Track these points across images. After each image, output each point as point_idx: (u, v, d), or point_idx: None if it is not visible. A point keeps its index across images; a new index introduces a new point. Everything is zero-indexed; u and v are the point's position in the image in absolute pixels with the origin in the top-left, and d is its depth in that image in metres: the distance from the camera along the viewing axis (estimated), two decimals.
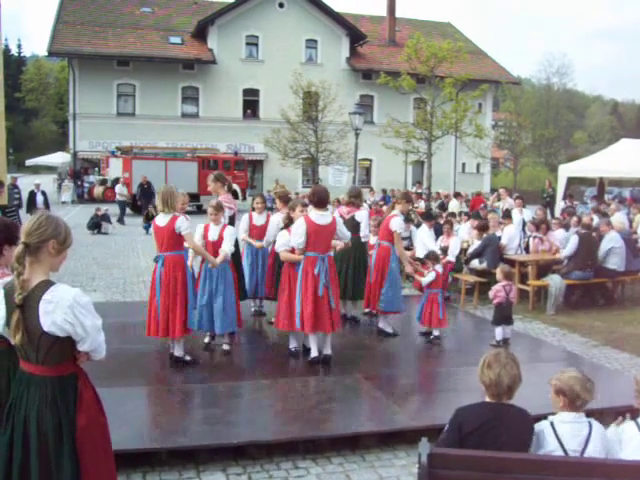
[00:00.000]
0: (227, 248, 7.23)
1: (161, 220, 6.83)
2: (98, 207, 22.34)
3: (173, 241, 6.79)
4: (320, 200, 7.11)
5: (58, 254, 3.18)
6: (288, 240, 7.21)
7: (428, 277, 8.48)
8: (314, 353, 7.14)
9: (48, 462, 3.08)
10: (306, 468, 5.00)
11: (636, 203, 18.65)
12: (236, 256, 8.03)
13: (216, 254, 7.20)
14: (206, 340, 7.74)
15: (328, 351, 7.25)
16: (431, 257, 8.81)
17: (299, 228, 7.01)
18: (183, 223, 6.76)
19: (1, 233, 3.84)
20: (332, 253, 7.33)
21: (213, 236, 7.36)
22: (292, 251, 7.18)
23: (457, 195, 21.32)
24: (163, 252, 6.85)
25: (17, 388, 3.17)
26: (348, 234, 7.56)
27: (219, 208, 7.42)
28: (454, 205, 19.35)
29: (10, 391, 3.26)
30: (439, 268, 8.69)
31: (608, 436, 3.41)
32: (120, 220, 24.29)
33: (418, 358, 8.09)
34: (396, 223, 8.40)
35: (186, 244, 7.02)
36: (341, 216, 9.07)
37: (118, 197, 25.41)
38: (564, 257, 11.19)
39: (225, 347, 7.59)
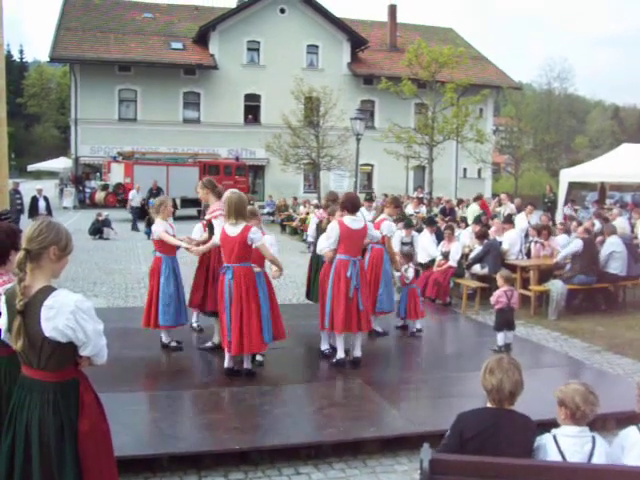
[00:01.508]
0: (276, 255, 7.04)
1: (231, 230, 6.55)
2: (99, 212, 22.32)
3: (244, 252, 6.52)
4: (353, 205, 7.35)
5: (59, 260, 3.19)
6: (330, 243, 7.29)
7: (409, 273, 8.98)
8: (340, 355, 7.27)
9: (50, 467, 3.08)
10: (308, 474, 4.99)
11: (638, 208, 18.61)
12: None
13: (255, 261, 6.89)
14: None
15: (358, 353, 7.37)
16: (405, 254, 9.31)
17: (332, 231, 7.22)
18: (256, 234, 6.51)
19: (8, 238, 3.83)
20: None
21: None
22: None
23: (477, 199, 21.00)
24: (232, 264, 6.55)
25: (19, 393, 3.17)
26: (378, 235, 7.94)
27: (255, 214, 7.19)
28: (474, 209, 19.01)
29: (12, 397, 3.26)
30: (412, 265, 9.26)
31: (611, 450, 3.38)
32: (134, 227, 24.07)
33: (419, 363, 8.07)
34: (386, 227, 8.64)
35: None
36: (320, 219, 9.68)
37: (132, 204, 25.11)
38: (562, 258, 11.19)
39: (258, 358, 7.21)
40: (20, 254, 3.09)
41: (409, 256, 9.31)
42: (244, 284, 6.50)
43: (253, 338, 6.52)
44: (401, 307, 8.99)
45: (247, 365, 6.83)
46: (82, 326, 3.05)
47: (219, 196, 7.77)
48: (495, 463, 3.03)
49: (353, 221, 7.26)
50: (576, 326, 9.99)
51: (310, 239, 9.77)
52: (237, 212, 6.53)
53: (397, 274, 9.02)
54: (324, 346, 7.73)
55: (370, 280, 8.53)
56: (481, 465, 3.02)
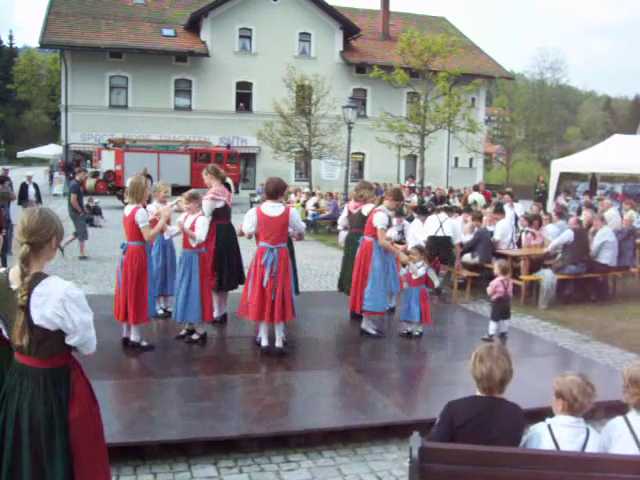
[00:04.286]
0: (198, 234, 7.31)
1: (127, 210, 7.16)
2: (90, 198, 22.18)
3: (135, 232, 7.06)
4: (272, 191, 7.27)
5: (56, 248, 3.25)
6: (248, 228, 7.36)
7: (420, 270, 8.23)
8: (264, 342, 7.27)
9: (40, 453, 3.08)
10: (297, 462, 4.99)
11: (628, 199, 18.69)
12: (228, 246, 8.09)
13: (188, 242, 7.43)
14: (182, 332, 7.73)
15: (279, 344, 7.25)
16: (419, 249, 8.59)
17: (250, 217, 7.27)
18: (141, 215, 7.01)
19: None
20: (285, 244, 7.28)
21: (187, 225, 7.44)
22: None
23: (476, 188, 20.85)
24: (128, 241, 7.19)
25: (10, 379, 3.17)
26: (302, 225, 7.69)
27: (190, 198, 7.55)
28: (477, 198, 18.89)
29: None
30: (424, 262, 8.56)
31: (600, 439, 3.38)
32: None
33: (409, 352, 8.07)
34: (378, 219, 7.96)
35: (167, 235, 7.68)
36: (349, 211, 9.27)
37: None
38: (552, 248, 11.22)
39: (194, 337, 7.61)
40: (24, 249, 3.07)
41: (422, 252, 8.47)
42: (129, 260, 7.06)
43: (130, 310, 7.00)
44: (414, 311, 8.09)
45: (133, 337, 7.24)
46: (70, 315, 3.03)
47: (222, 180, 8.34)
48: (484, 451, 3.03)
49: (271, 208, 7.18)
50: (566, 316, 10.04)
51: (340, 227, 9.72)
52: (131, 194, 7.12)
53: (403, 270, 8.37)
54: (258, 335, 7.52)
55: (357, 276, 8.16)
56: (471, 453, 3.02)
